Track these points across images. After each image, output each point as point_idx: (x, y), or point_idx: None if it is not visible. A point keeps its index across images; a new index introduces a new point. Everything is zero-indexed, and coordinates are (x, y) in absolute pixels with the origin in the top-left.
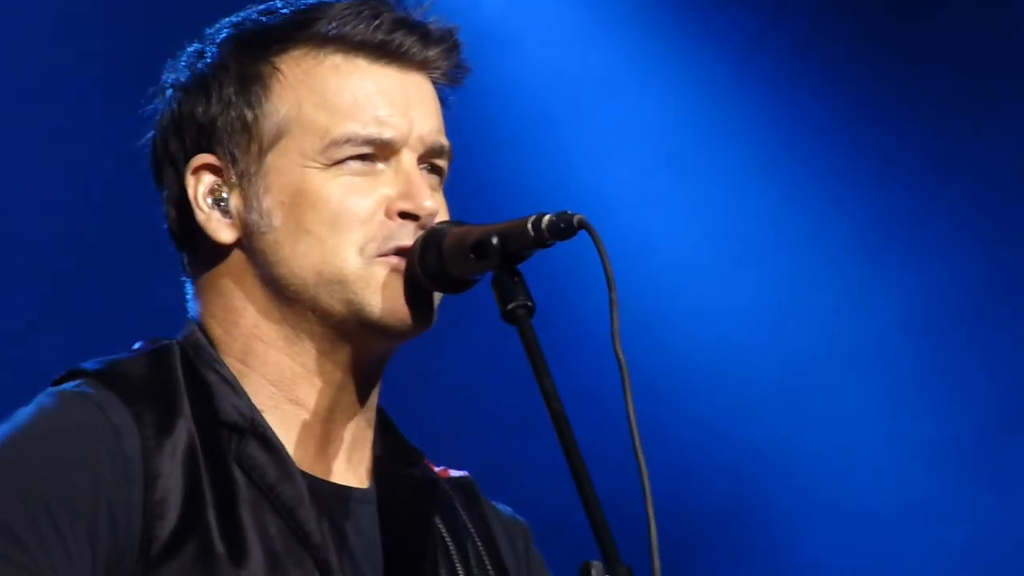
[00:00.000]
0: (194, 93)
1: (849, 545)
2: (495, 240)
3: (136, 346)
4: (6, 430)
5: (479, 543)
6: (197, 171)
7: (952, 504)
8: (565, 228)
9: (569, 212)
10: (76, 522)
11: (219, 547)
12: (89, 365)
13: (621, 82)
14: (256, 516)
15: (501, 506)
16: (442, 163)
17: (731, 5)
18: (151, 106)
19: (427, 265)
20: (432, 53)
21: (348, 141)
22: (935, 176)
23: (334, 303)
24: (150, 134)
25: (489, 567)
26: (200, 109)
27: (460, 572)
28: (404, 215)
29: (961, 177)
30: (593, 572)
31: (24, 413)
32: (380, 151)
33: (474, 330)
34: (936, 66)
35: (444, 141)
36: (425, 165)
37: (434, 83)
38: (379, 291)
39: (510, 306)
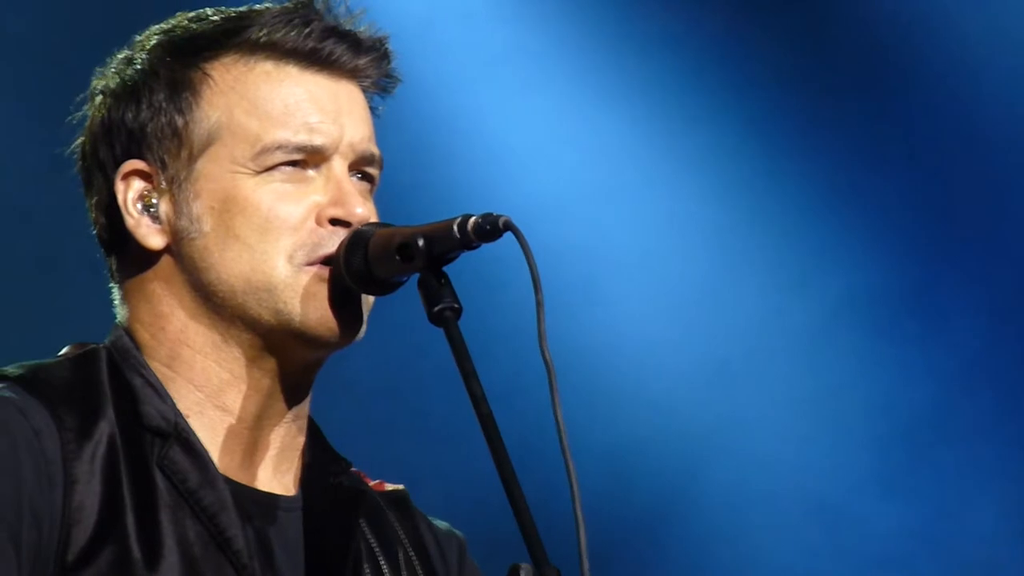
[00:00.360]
0: (124, 99)
1: (780, 539)
2: (421, 242)
3: (63, 351)
4: None
5: (411, 552)
6: (127, 177)
7: (887, 494)
8: (491, 230)
9: (495, 214)
10: (1, 525)
11: (136, 553)
12: (10, 369)
13: (544, 75)
14: (176, 521)
15: (436, 521)
16: (373, 171)
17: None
18: (80, 112)
19: (352, 267)
20: (363, 62)
21: (279, 148)
22: (867, 162)
23: (262, 311)
24: (79, 140)
25: (420, 575)
26: (130, 115)
27: (386, 573)
28: (335, 222)
29: (892, 163)
30: (522, 574)
31: None
32: (311, 158)
33: (400, 332)
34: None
35: (375, 149)
36: (356, 173)
37: (364, 91)
38: (308, 300)
39: (437, 308)
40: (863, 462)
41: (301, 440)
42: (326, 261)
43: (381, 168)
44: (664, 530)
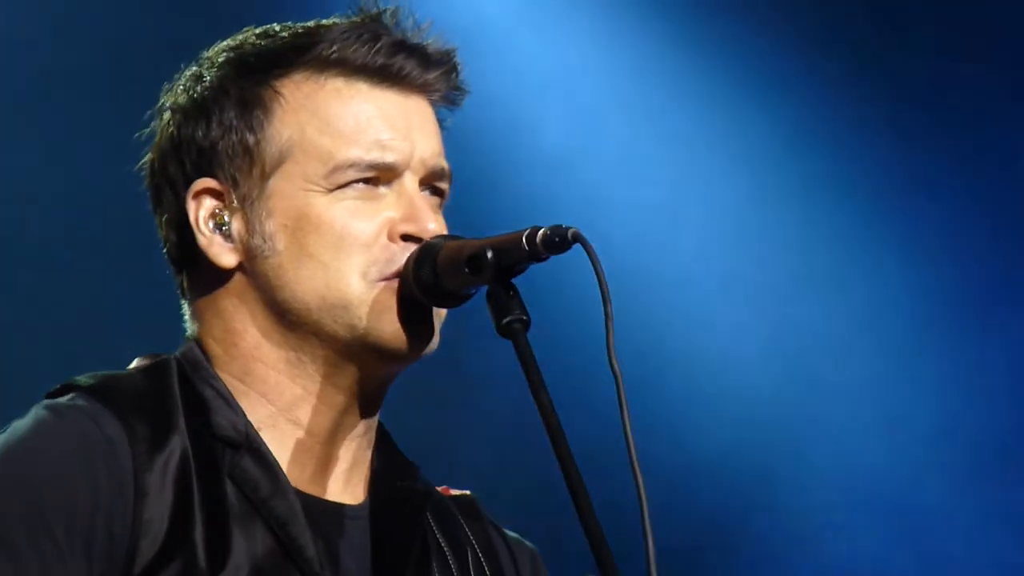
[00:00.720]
0: (194, 116)
1: (857, 549)
2: (490, 254)
3: (133, 363)
4: (3, 443)
5: (480, 553)
6: (198, 195)
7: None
8: (559, 242)
9: (563, 226)
10: (74, 536)
11: (202, 563)
12: (82, 379)
13: (618, 89)
14: (245, 531)
15: (507, 530)
16: (443, 185)
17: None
18: (147, 128)
19: (421, 280)
20: (432, 76)
21: (352, 166)
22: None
23: (337, 328)
24: (147, 156)
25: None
26: (200, 133)
27: None
28: (407, 238)
29: (959, 173)
30: None
31: (21, 426)
32: (383, 175)
33: (469, 345)
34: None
35: (444, 164)
36: (426, 188)
37: (433, 105)
38: (382, 315)
39: (505, 320)
40: (944, 472)
41: (370, 451)
42: (399, 276)
43: (451, 182)
44: (733, 540)
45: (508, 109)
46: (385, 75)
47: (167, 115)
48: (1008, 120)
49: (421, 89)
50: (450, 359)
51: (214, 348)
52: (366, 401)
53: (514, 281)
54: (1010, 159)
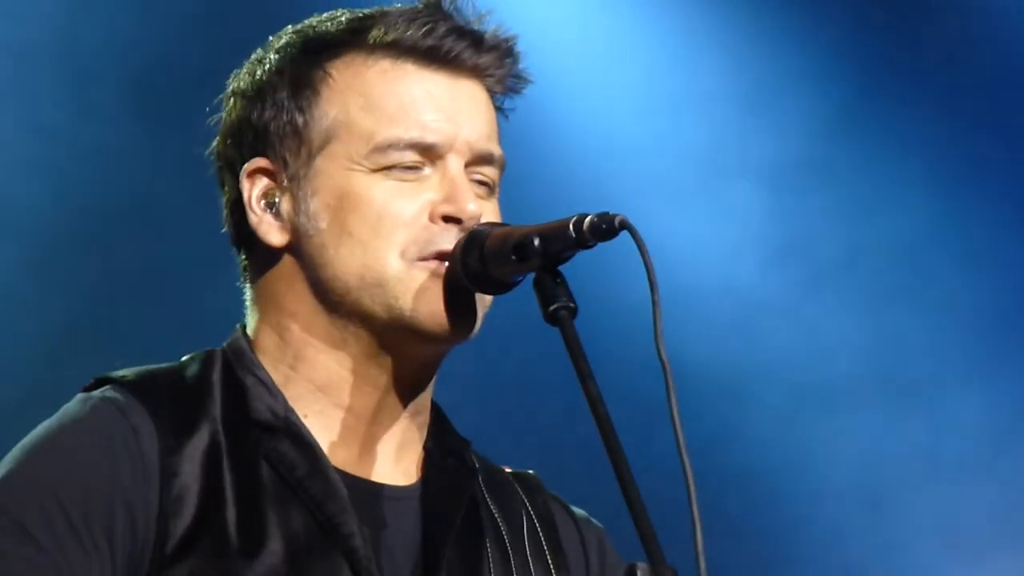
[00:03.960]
0: (252, 99)
1: (888, 544)
2: (537, 241)
3: (184, 359)
4: (30, 436)
5: (536, 522)
6: (252, 175)
7: None
8: (607, 229)
9: (611, 213)
10: (93, 521)
11: (234, 542)
12: (121, 372)
13: (674, 84)
14: (282, 512)
15: (574, 507)
16: (491, 171)
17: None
18: (218, 114)
19: (469, 266)
20: (484, 60)
21: (391, 146)
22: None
23: (375, 307)
24: (214, 141)
25: (546, 548)
26: (255, 114)
27: (511, 552)
28: (447, 219)
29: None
30: (639, 573)
31: (51, 420)
32: (426, 156)
33: (516, 331)
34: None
35: (494, 149)
36: (475, 174)
37: (490, 91)
38: (420, 295)
39: (552, 307)
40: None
41: (422, 433)
42: (439, 257)
43: (502, 168)
44: (782, 533)
45: (558, 96)
46: (434, 57)
47: (231, 99)
48: None
49: (473, 72)
50: (498, 346)
51: (269, 338)
52: (410, 382)
53: (561, 268)
54: None
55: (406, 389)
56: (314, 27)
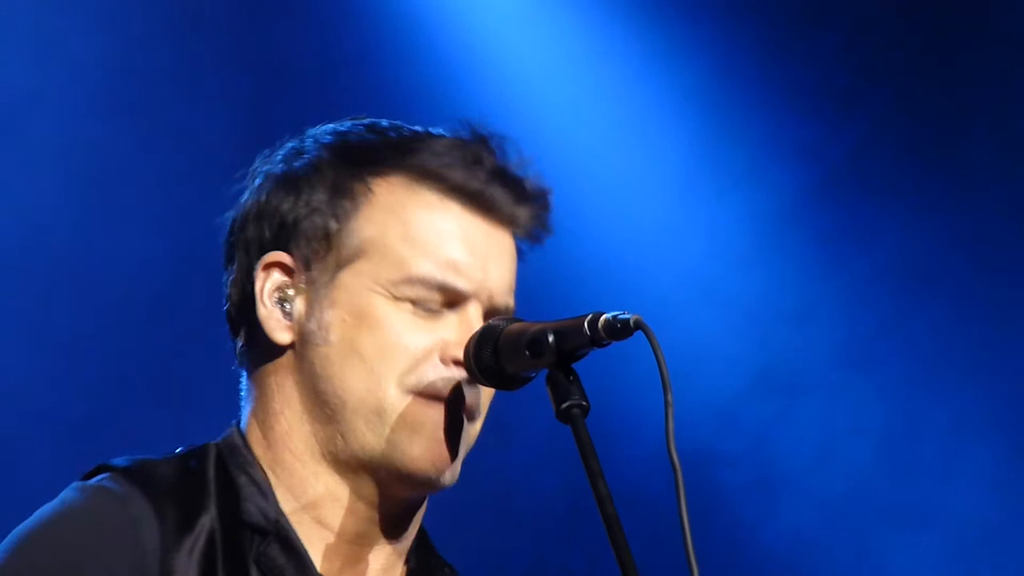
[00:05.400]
0: (284, 188)
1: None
2: (551, 338)
3: (178, 450)
4: (28, 525)
5: None
6: (268, 267)
7: None
8: (621, 328)
9: (626, 312)
10: None
11: None
12: (117, 461)
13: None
14: None
15: None
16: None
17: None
18: (238, 186)
19: (482, 361)
20: (521, 212)
21: (422, 281)
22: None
23: (368, 434)
24: (231, 213)
25: None
26: (286, 206)
27: None
28: (458, 363)
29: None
30: None
31: (47, 508)
32: (448, 298)
33: (527, 428)
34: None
35: (511, 302)
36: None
37: (515, 238)
38: (414, 431)
39: (564, 405)
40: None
41: (405, 549)
42: (435, 396)
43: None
44: None
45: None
46: (478, 200)
47: (260, 180)
48: None
49: (508, 222)
50: (509, 442)
51: (256, 432)
52: (392, 518)
53: (575, 367)
54: None
55: (389, 522)
56: (359, 134)
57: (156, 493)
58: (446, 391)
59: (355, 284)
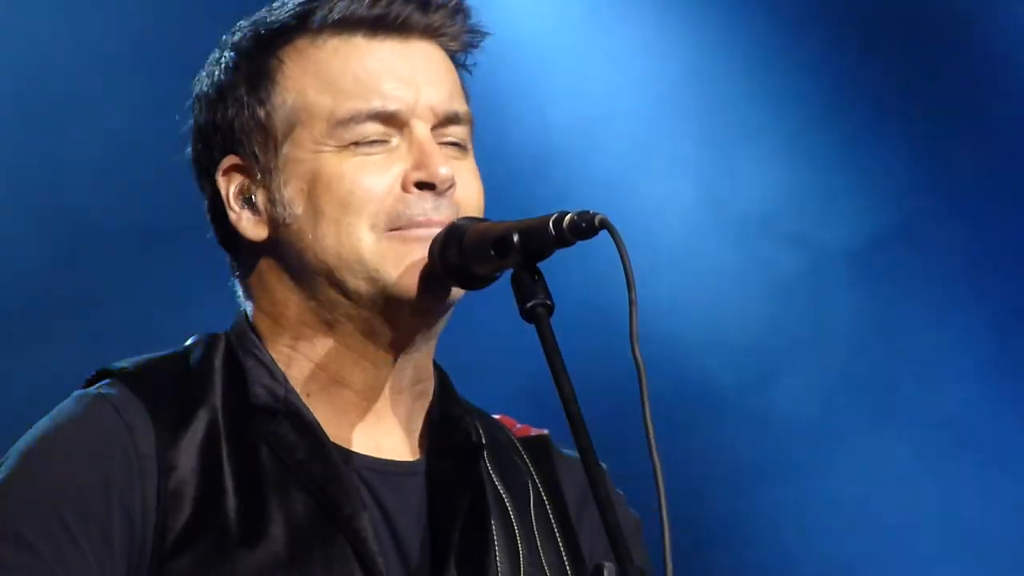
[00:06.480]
0: (214, 100)
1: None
2: (516, 238)
3: (188, 341)
4: (25, 438)
5: (544, 498)
6: (226, 173)
7: None
8: (586, 227)
9: (591, 211)
10: (89, 524)
11: (235, 531)
12: (117, 365)
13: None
14: (282, 496)
15: (568, 451)
16: (459, 130)
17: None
18: (189, 121)
19: (448, 260)
20: (434, 19)
21: (351, 119)
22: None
23: (360, 283)
24: (188, 148)
25: (554, 525)
26: (219, 115)
27: (516, 529)
28: (420, 185)
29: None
30: (605, 573)
31: (47, 418)
32: (390, 125)
33: (492, 327)
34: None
35: (458, 107)
36: (444, 137)
37: (446, 48)
38: (396, 264)
39: (529, 304)
40: None
41: (426, 402)
42: (415, 225)
43: (472, 125)
44: (746, 536)
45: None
46: (382, 24)
47: (195, 104)
48: None
49: (425, 33)
50: (472, 341)
51: (264, 322)
52: (407, 353)
53: (540, 265)
54: None
55: (405, 360)
56: (262, 18)
57: (153, 395)
58: (419, 217)
59: (299, 153)
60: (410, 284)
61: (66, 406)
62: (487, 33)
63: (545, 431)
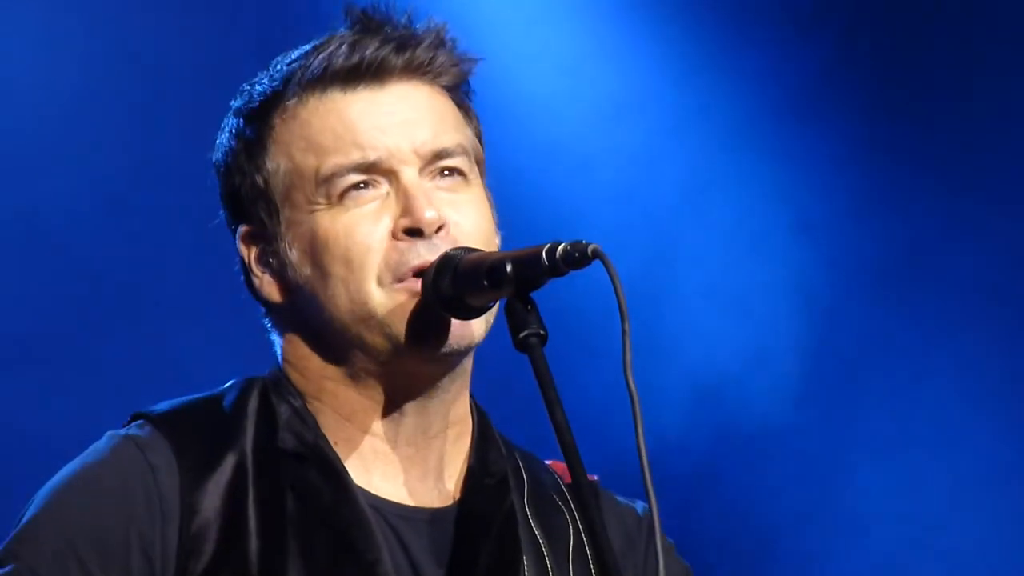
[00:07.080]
0: (223, 171)
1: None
2: (509, 267)
3: (228, 383)
4: (55, 479)
5: (585, 542)
6: (244, 241)
7: None
8: (579, 258)
9: (584, 242)
10: (109, 563)
11: (256, 574)
12: (152, 408)
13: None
14: (305, 540)
15: (620, 498)
16: (455, 161)
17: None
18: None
19: (441, 291)
20: (414, 56)
21: (334, 174)
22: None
23: (376, 337)
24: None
25: (592, 566)
26: (228, 185)
27: (551, 573)
28: (409, 232)
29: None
30: None
31: (79, 458)
32: (376, 174)
33: (484, 358)
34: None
35: (446, 142)
36: (439, 174)
37: (432, 84)
38: (406, 316)
39: (522, 334)
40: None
41: (462, 445)
42: (415, 274)
43: (469, 153)
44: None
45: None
46: (356, 74)
47: (214, 173)
48: None
49: (406, 73)
50: None
51: (292, 374)
52: (433, 399)
53: (533, 295)
54: None
55: (431, 408)
56: (257, 84)
57: (180, 436)
58: (415, 262)
59: (297, 215)
60: (416, 335)
61: (96, 446)
62: (477, 60)
63: (595, 477)
